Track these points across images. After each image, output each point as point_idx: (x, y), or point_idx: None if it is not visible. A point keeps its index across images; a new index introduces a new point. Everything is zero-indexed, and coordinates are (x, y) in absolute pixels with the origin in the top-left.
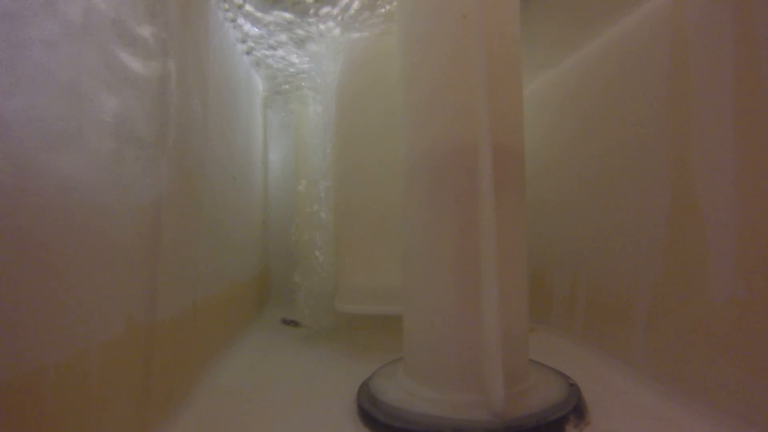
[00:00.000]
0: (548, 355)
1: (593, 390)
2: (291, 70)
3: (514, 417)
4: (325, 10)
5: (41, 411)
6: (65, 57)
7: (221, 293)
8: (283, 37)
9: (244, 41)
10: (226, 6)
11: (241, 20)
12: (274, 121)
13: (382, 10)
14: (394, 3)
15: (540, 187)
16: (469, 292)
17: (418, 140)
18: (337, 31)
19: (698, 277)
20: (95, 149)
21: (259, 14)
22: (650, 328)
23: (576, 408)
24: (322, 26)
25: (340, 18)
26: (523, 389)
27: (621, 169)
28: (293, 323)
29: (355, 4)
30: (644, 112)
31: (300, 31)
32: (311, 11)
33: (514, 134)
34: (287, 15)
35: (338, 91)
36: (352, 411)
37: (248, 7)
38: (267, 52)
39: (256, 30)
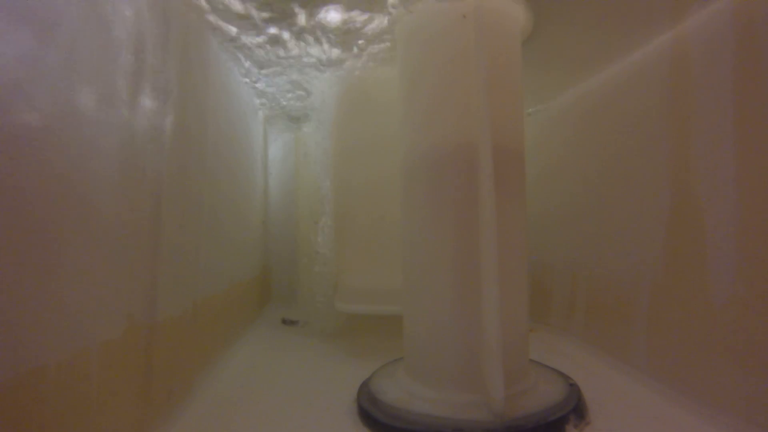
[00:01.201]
0: (548, 355)
1: (593, 390)
2: (289, 95)
3: (514, 417)
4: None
5: (41, 411)
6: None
7: (221, 293)
8: (280, 66)
9: (244, 70)
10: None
11: (239, 54)
12: (275, 126)
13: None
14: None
15: (540, 187)
16: (469, 292)
17: (418, 140)
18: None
19: (698, 277)
20: (95, 150)
21: (259, 53)
22: (650, 328)
23: (576, 408)
24: (324, 57)
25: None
26: (523, 389)
27: (621, 168)
28: (293, 323)
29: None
30: (644, 114)
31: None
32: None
33: (514, 135)
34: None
35: (336, 105)
36: (352, 411)
37: (245, 40)
38: (265, 80)
39: (256, 60)
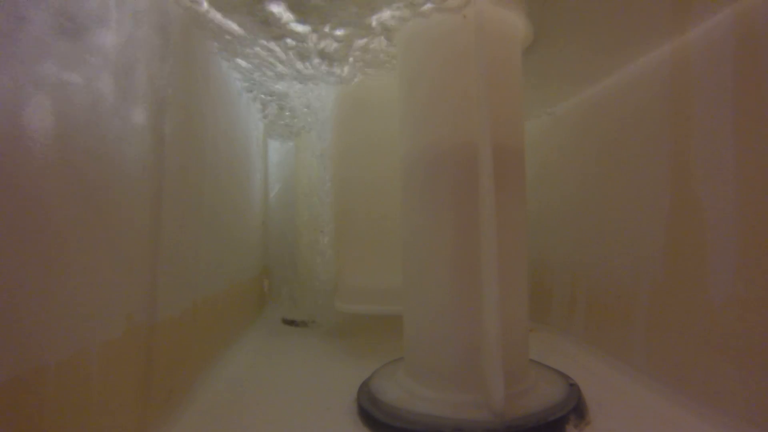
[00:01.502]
0: (548, 355)
1: (593, 390)
2: (288, 97)
3: (514, 417)
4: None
5: (42, 410)
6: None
7: (221, 293)
8: (280, 70)
9: (244, 74)
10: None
11: (239, 59)
12: (276, 126)
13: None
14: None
15: (540, 187)
16: (469, 291)
17: (418, 139)
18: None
19: (698, 277)
20: (94, 149)
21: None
22: (650, 328)
23: (576, 408)
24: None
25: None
26: (523, 389)
27: (621, 168)
28: (293, 323)
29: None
30: (645, 114)
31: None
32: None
33: (514, 133)
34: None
35: (337, 106)
36: (352, 411)
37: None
38: (265, 84)
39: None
